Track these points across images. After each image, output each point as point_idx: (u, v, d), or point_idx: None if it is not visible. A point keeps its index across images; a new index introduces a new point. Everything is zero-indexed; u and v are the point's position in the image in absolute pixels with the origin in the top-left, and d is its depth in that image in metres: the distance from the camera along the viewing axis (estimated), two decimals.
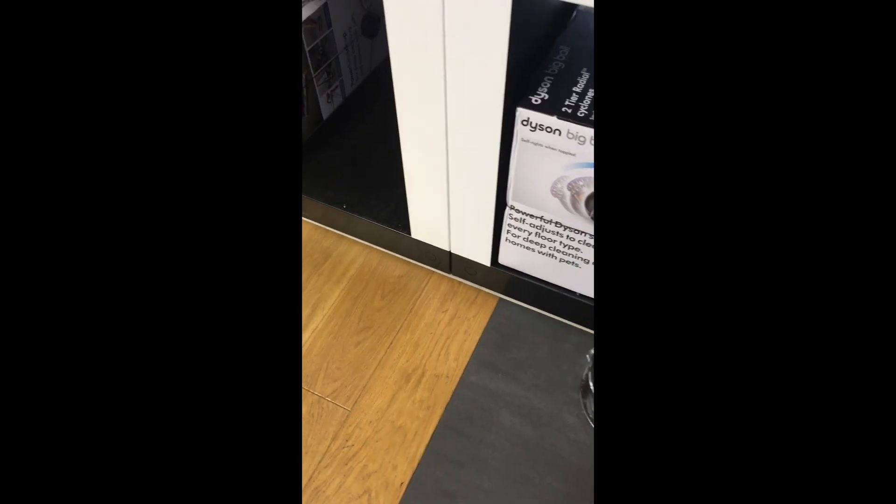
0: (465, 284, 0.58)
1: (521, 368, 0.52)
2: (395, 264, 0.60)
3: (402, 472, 0.47)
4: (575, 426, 0.48)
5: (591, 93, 0.38)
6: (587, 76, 0.39)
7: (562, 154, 0.39)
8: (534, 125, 0.38)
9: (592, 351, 0.50)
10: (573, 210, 0.42)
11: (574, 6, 0.45)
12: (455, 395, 0.51)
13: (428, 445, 0.48)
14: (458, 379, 0.52)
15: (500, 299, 0.57)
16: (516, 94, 0.38)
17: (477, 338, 0.54)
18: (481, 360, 0.53)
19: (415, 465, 0.47)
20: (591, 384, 0.46)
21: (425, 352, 0.54)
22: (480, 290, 0.57)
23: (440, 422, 0.49)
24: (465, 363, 0.53)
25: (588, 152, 0.38)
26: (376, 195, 0.59)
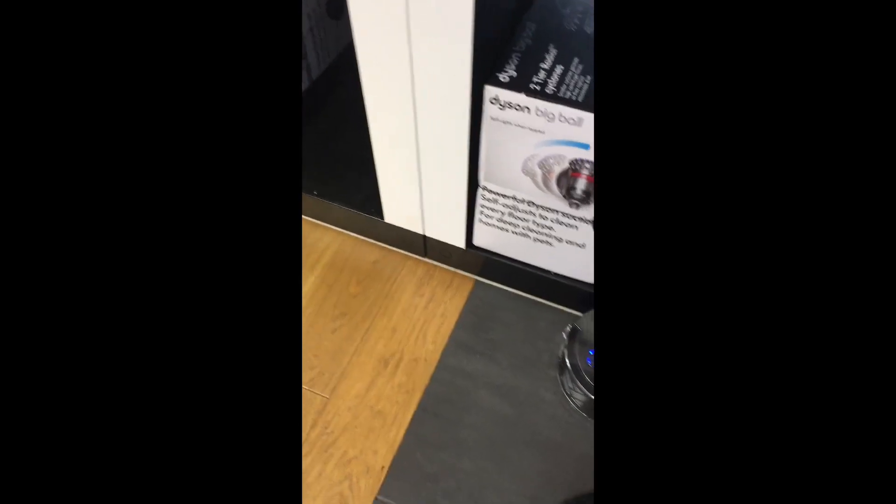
0: (441, 268, 0.58)
1: (498, 349, 0.52)
2: (369, 250, 0.59)
3: (383, 457, 0.47)
4: (552, 402, 0.49)
5: (558, 69, 0.38)
6: (554, 53, 0.39)
7: (531, 132, 0.38)
8: (502, 103, 0.38)
9: (568, 328, 0.50)
10: (545, 188, 0.42)
11: None
12: (433, 378, 0.51)
13: (408, 429, 0.48)
14: (436, 362, 0.52)
15: (476, 281, 0.57)
16: (484, 72, 0.38)
17: (454, 320, 0.54)
18: (458, 342, 0.53)
19: (395, 449, 0.47)
20: (567, 360, 0.46)
21: (403, 336, 0.53)
22: (456, 273, 0.57)
23: (419, 405, 0.49)
24: (443, 346, 0.53)
25: (557, 129, 0.37)
26: (348, 181, 0.58)
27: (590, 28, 0.40)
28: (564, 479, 0.46)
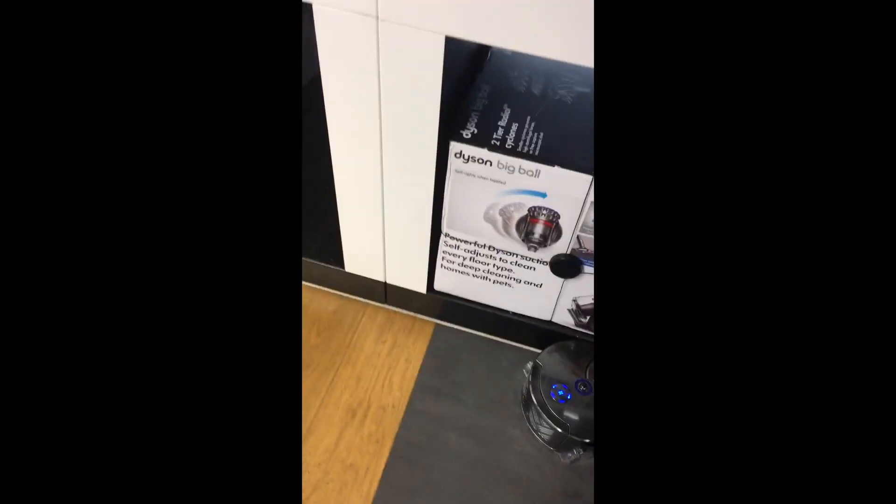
0: (402, 313, 0.59)
1: (463, 390, 0.54)
2: (327, 299, 0.59)
3: None
4: (519, 439, 0.51)
5: (514, 126, 0.42)
6: (508, 112, 0.43)
7: (493, 182, 0.42)
8: (466, 157, 0.41)
9: (529, 365, 0.53)
10: (505, 234, 0.46)
11: (488, 48, 0.49)
12: (403, 424, 0.51)
13: (381, 479, 0.48)
14: (404, 408, 0.52)
15: (437, 325, 0.58)
16: (447, 129, 0.41)
17: (418, 365, 0.55)
18: (424, 386, 0.54)
19: (370, 501, 0.46)
20: (532, 396, 0.48)
21: (368, 385, 0.53)
22: (416, 318, 0.59)
23: (391, 453, 0.49)
24: (410, 391, 0.53)
25: (516, 180, 0.41)
26: (303, 228, 0.59)
27: (537, 89, 0.45)
28: None
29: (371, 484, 0.47)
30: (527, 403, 0.51)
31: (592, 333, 0.52)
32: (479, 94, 0.44)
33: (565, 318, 0.52)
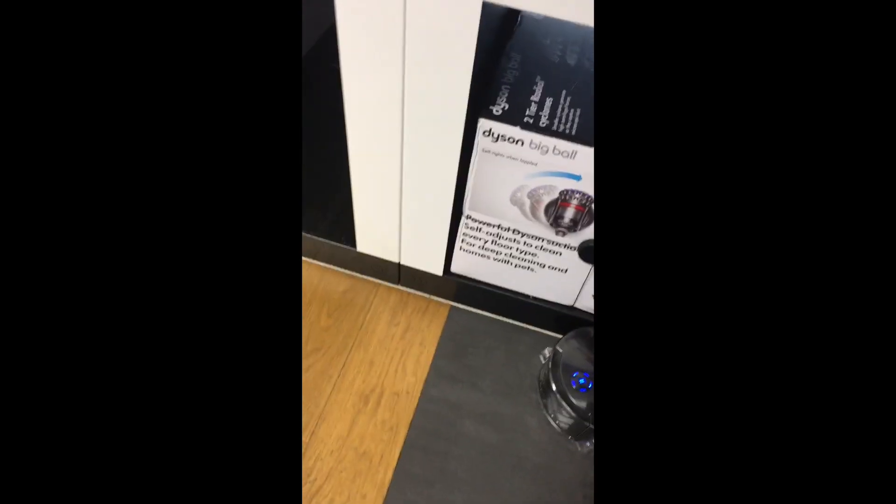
0: (415, 294, 0.56)
1: (480, 375, 0.52)
2: (337, 279, 0.57)
3: (372, 500, 0.45)
4: (537, 427, 0.49)
5: (549, 101, 0.38)
6: (542, 85, 0.39)
7: (523, 164, 0.38)
8: (496, 136, 0.37)
9: (547, 352, 0.51)
10: (532, 217, 0.43)
11: (518, 12, 0.44)
12: (417, 411, 0.49)
13: (396, 468, 0.46)
14: (418, 394, 0.50)
15: (452, 307, 0.56)
16: (476, 104, 0.37)
17: (433, 349, 0.53)
18: (439, 371, 0.52)
19: (385, 490, 0.45)
20: (552, 384, 0.47)
21: (381, 369, 0.51)
22: (431, 300, 0.56)
23: (405, 441, 0.48)
24: (424, 377, 0.51)
25: (550, 161, 0.38)
26: (311, 205, 0.56)
27: (572, 59, 0.41)
28: (556, 502, 0.46)
29: (385, 473, 0.46)
30: (545, 390, 0.49)
31: None
32: (510, 63, 0.40)
33: (588, 304, 0.49)
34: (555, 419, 0.48)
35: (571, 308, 0.51)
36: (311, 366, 0.51)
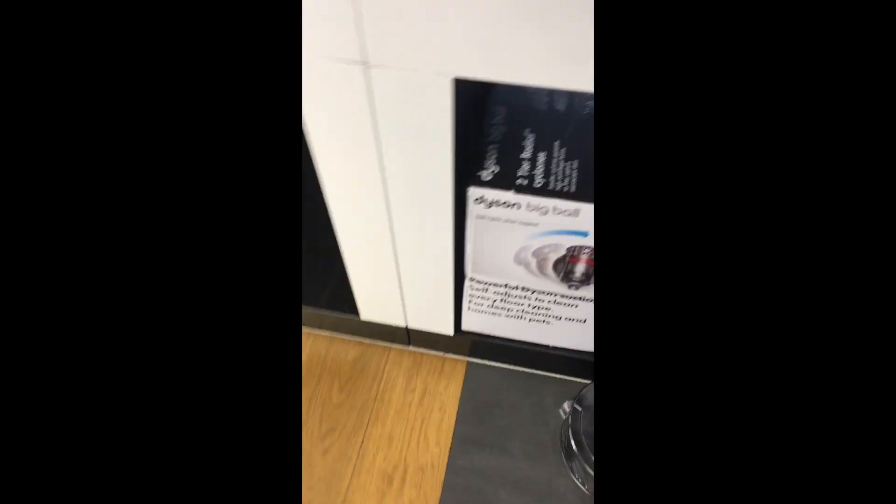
0: (429, 354, 0.53)
1: (508, 436, 0.49)
2: (346, 347, 0.54)
3: None
4: (576, 489, 0.46)
5: (542, 157, 0.35)
6: (532, 138, 0.36)
7: (523, 226, 0.35)
8: (489, 202, 0.34)
9: (567, 406, 0.47)
10: (540, 274, 0.39)
11: None
12: (446, 485, 0.46)
13: None
14: (444, 466, 0.47)
15: (469, 363, 0.53)
16: (464, 169, 0.34)
17: (454, 412, 0.50)
18: (464, 437, 0.49)
19: None
20: (573, 446, 0.43)
21: (402, 443, 0.49)
22: (446, 358, 0.53)
23: None
24: (448, 445, 0.48)
25: (551, 221, 0.35)
26: (310, 276, 0.53)
27: (561, 105, 0.38)
28: None
29: None
30: (568, 453, 0.45)
31: None
32: (495, 119, 0.37)
33: None
34: (583, 483, 0.45)
35: (593, 353, 0.47)
36: (327, 449, 0.48)
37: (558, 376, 0.51)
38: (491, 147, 0.36)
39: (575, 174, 0.34)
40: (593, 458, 0.42)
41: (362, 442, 0.49)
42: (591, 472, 0.42)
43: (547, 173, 0.34)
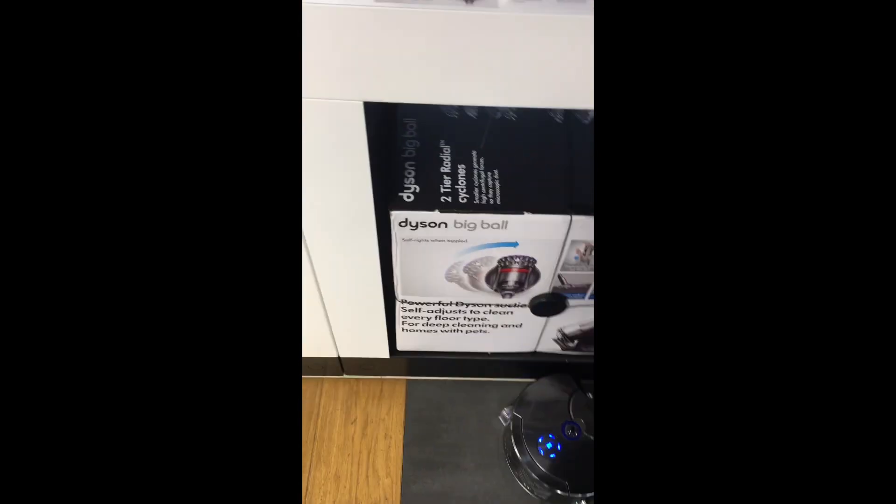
0: (366, 380, 0.51)
1: (458, 452, 0.47)
2: None
3: None
4: (532, 497, 0.46)
5: (462, 170, 0.33)
6: (449, 150, 0.34)
7: (452, 243, 0.34)
8: (414, 224, 0.32)
9: (505, 412, 0.46)
10: (473, 288, 0.38)
11: None
12: None
13: None
14: (398, 496, 0.45)
15: (409, 381, 0.51)
16: (383, 194, 0.32)
17: (401, 437, 0.48)
18: (415, 461, 0.47)
19: None
20: (516, 453, 0.42)
21: (351, 481, 0.46)
22: (385, 380, 0.51)
23: None
24: (400, 474, 0.46)
25: (480, 235, 0.33)
26: None
27: (472, 112, 0.36)
28: None
29: None
30: (514, 462, 0.45)
31: (580, 354, 0.47)
32: (407, 132, 0.35)
33: (551, 347, 0.46)
34: (532, 490, 0.44)
35: (534, 353, 0.47)
36: None
37: (499, 380, 0.51)
38: (409, 165, 0.33)
39: (497, 184, 0.33)
40: (537, 462, 0.42)
41: (307, 489, 0.45)
42: (536, 477, 0.42)
43: (470, 187, 0.33)
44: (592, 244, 0.34)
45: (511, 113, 0.36)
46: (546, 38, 0.21)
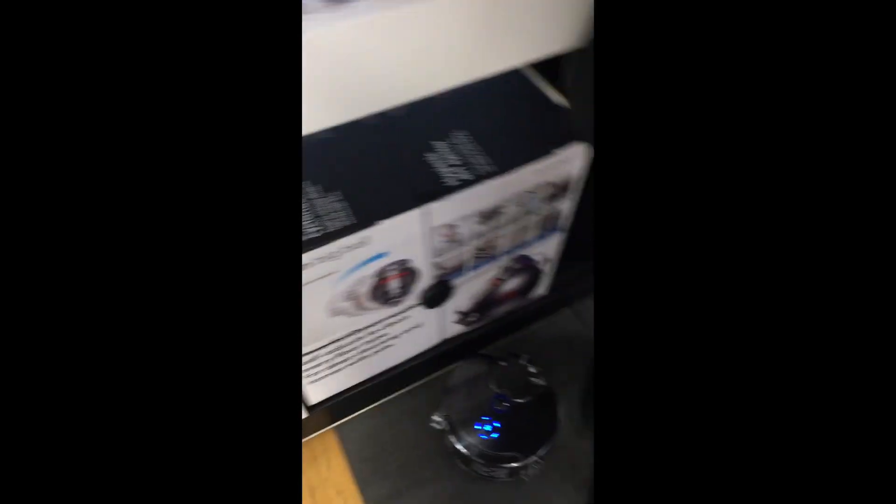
0: None
1: (412, 470, 0.46)
2: None
3: None
4: (499, 487, 0.47)
5: (303, 207, 0.31)
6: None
7: (322, 279, 0.32)
8: None
9: (436, 417, 0.46)
10: (361, 311, 0.37)
11: None
12: None
13: None
14: None
15: (337, 427, 0.48)
16: None
17: (353, 486, 0.45)
18: (377, 499, 0.45)
19: None
20: (465, 451, 0.42)
21: None
22: (312, 439, 0.47)
23: None
24: None
25: (346, 260, 0.32)
26: None
27: None
28: None
29: None
30: (466, 461, 0.44)
31: (484, 323, 0.48)
32: None
33: (455, 329, 0.47)
34: (492, 475, 0.44)
35: (443, 342, 0.47)
36: None
37: (422, 381, 0.51)
38: None
39: (339, 205, 0.32)
40: (483, 448, 0.42)
41: None
42: (487, 462, 0.42)
43: (314, 216, 0.31)
44: (452, 224, 0.35)
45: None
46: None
